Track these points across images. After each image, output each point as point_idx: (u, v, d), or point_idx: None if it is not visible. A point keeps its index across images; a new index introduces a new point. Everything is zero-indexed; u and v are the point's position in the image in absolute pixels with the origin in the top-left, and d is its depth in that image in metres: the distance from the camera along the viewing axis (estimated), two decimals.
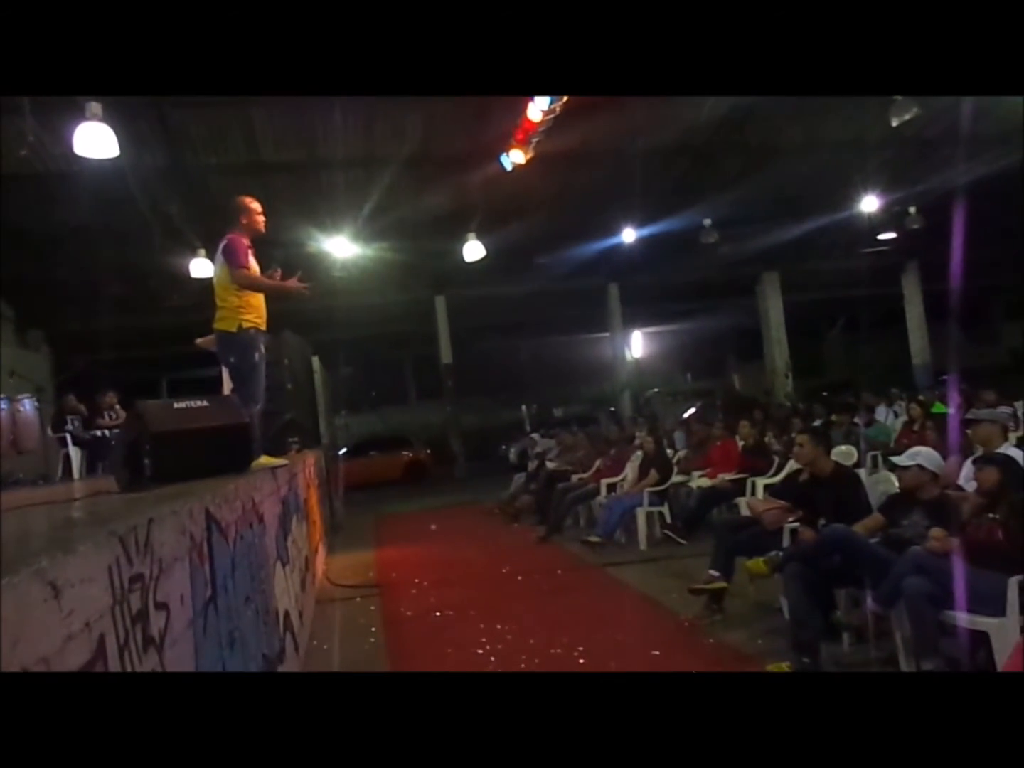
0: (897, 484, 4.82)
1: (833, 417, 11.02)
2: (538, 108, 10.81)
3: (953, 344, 18.42)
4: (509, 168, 12.39)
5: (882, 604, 4.11)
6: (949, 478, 4.99)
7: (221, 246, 5.07)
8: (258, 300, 5.16)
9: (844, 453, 7.42)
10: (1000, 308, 28.61)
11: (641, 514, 8.47)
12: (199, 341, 5.51)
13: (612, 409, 21.62)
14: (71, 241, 14.25)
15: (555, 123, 11.03)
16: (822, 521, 4.86)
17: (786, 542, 5.22)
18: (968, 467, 5.01)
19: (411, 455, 21.99)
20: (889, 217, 17.68)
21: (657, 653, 4.87)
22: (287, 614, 4.70)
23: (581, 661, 4.83)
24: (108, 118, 9.08)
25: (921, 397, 11.57)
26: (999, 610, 3.59)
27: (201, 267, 13.78)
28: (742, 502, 7.45)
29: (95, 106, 8.96)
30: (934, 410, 9.91)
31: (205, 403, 4.16)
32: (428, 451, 22.20)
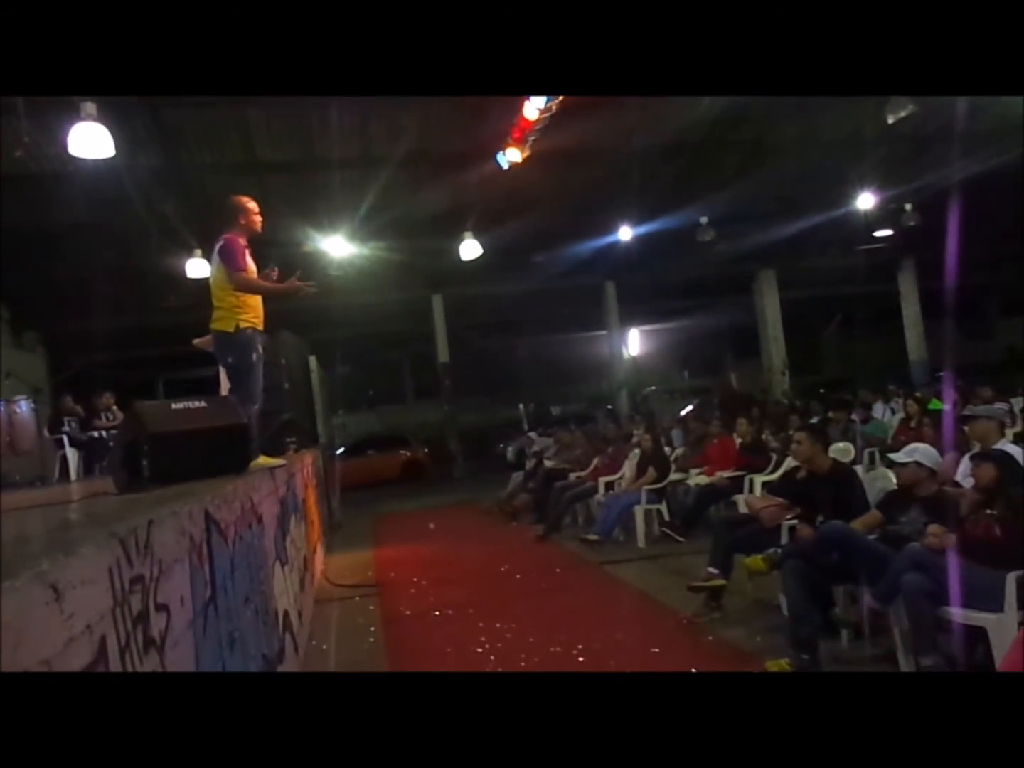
0: (895, 481, 4.83)
1: (830, 414, 11.02)
2: (534, 107, 10.81)
3: (949, 341, 18.44)
4: (506, 167, 12.38)
5: (880, 601, 4.11)
6: (946, 474, 5.00)
7: (218, 246, 5.06)
8: (255, 300, 5.15)
9: (841, 450, 7.43)
10: (996, 305, 28.67)
11: (639, 512, 8.48)
12: (196, 341, 5.50)
13: (610, 407, 21.62)
14: (67, 242, 14.22)
15: (551, 121, 11.03)
16: (820, 518, 4.87)
17: (784, 539, 5.22)
18: (965, 463, 5.03)
19: (409, 454, 21.98)
20: (885, 214, 17.71)
21: (656, 651, 4.88)
22: (286, 614, 4.70)
23: (580, 659, 4.83)
24: (103, 118, 9.06)
25: (918, 394, 11.58)
26: (997, 606, 3.59)
27: (197, 267, 13.74)
28: (740, 499, 7.46)
29: (90, 106, 8.94)
30: (931, 407, 9.90)
31: (203, 404, 4.16)
32: (426, 450, 22.19)
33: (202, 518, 2.66)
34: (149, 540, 1.95)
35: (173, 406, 4.07)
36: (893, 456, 4.77)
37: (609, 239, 17.42)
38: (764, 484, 7.47)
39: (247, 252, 5.07)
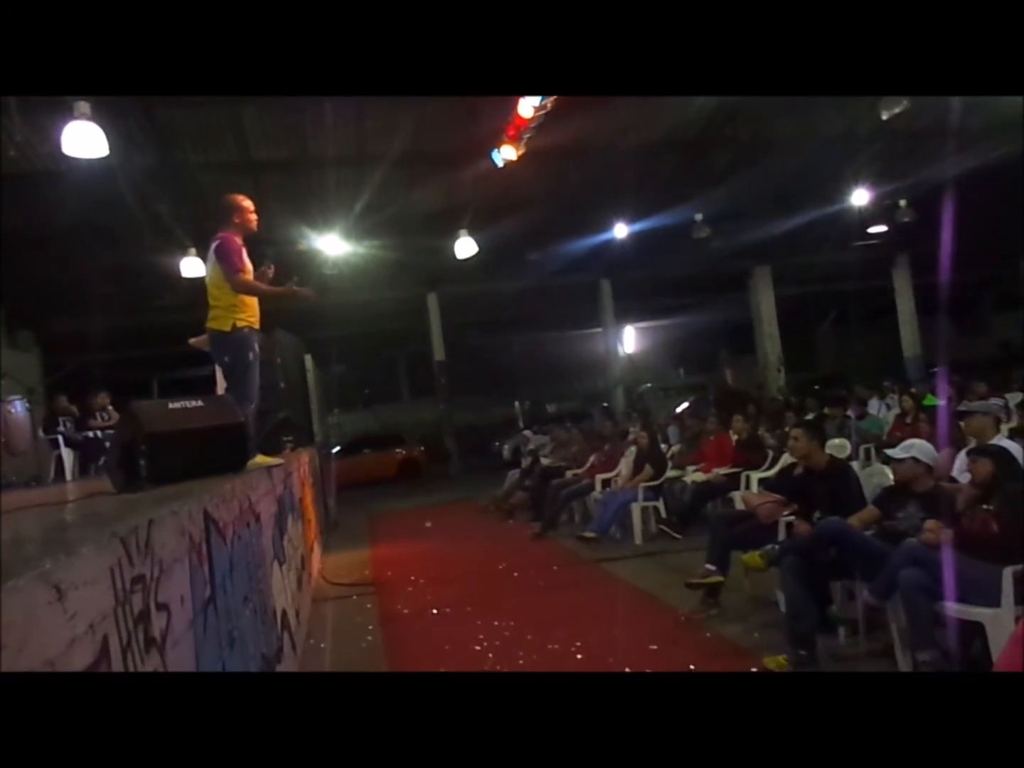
0: (891, 477, 4.84)
1: (826, 410, 11.05)
2: (529, 104, 10.78)
3: (944, 337, 18.51)
4: (500, 164, 12.35)
5: (878, 596, 4.12)
6: (943, 470, 5.01)
7: (214, 246, 5.04)
8: (252, 299, 5.13)
9: (837, 446, 7.46)
10: (990, 300, 28.72)
11: (636, 509, 8.48)
12: (192, 341, 5.49)
13: (605, 405, 21.62)
14: (60, 241, 14.17)
15: (546, 119, 11.01)
16: (817, 514, 4.88)
17: (781, 535, 5.24)
18: (962, 459, 5.04)
19: (405, 453, 21.98)
20: (880, 210, 17.72)
21: (654, 647, 4.88)
22: (284, 613, 4.70)
23: (579, 656, 4.84)
24: (97, 117, 9.01)
25: (913, 390, 11.62)
26: (994, 601, 3.60)
27: (192, 266, 13.71)
28: (737, 496, 7.47)
29: (83, 105, 8.89)
30: (926, 402, 9.94)
31: (200, 403, 4.15)
32: (421, 449, 22.18)
33: (201, 517, 2.66)
34: (150, 540, 1.95)
35: (170, 405, 4.06)
36: (890, 452, 4.78)
37: (604, 236, 17.40)
38: (761, 481, 7.50)
39: (244, 251, 5.06)
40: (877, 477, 5.35)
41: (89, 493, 4.67)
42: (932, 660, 3.73)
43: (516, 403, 28.72)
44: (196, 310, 5.43)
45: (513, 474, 12.79)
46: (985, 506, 3.99)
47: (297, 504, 6.90)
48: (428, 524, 11.86)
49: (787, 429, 7.67)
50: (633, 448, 9.44)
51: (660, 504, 8.67)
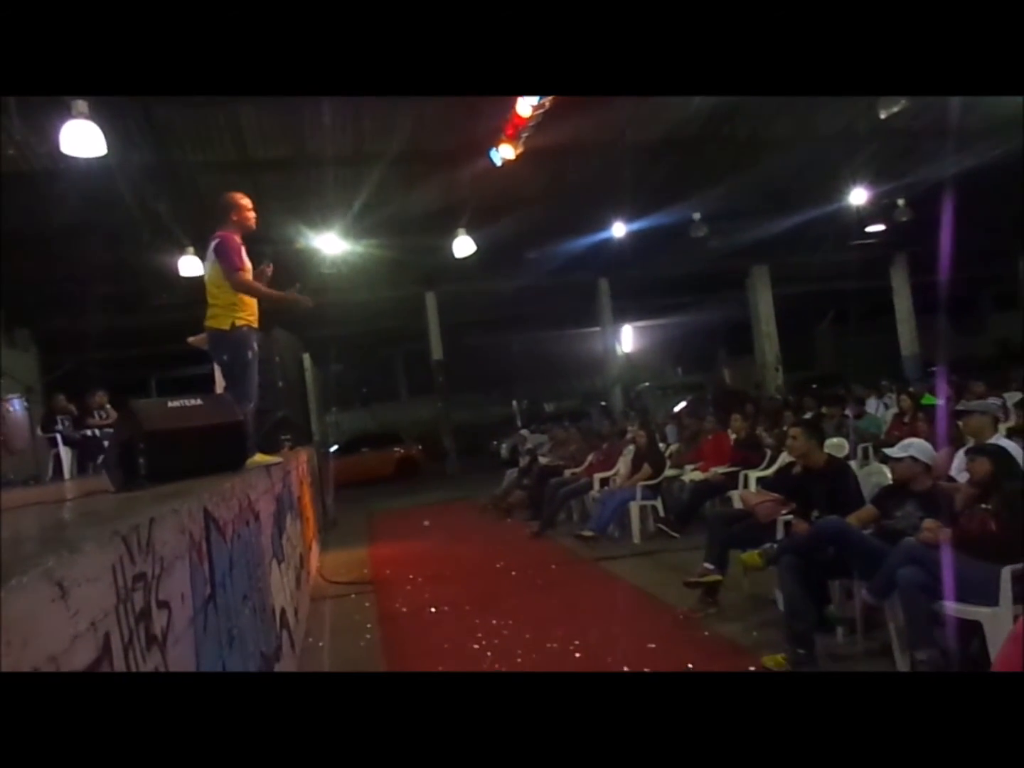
0: (890, 476, 4.85)
1: (824, 410, 11.07)
2: (527, 103, 10.79)
3: (942, 336, 18.52)
4: (499, 163, 12.35)
5: (876, 595, 4.13)
6: (941, 469, 5.02)
7: (213, 244, 5.04)
8: (251, 298, 5.14)
9: (835, 445, 7.46)
10: (988, 299, 28.78)
11: (634, 508, 8.49)
12: (191, 340, 5.49)
13: (603, 404, 21.63)
14: (58, 240, 14.15)
15: (544, 118, 11.01)
16: (815, 513, 4.88)
17: (780, 535, 5.24)
18: (960, 458, 5.05)
19: (402, 451, 21.98)
20: (878, 210, 17.73)
21: (653, 646, 4.89)
22: (283, 611, 4.70)
23: (577, 655, 4.85)
24: (95, 116, 9.00)
25: (911, 389, 11.63)
26: (992, 600, 3.61)
27: (190, 265, 13.70)
28: (735, 495, 7.48)
29: (81, 104, 8.88)
30: (924, 402, 9.95)
31: (199, 401, 4.15)
32: (419, 447, 22.19)
33: (201, 516, 2.66)
34: (151, 538, 1.95)
35: (169, 404, 4.06)
36: (888, 451, 4.79)
37: (602, 235, 17.40)
38: (759, 480, 7.50)
39: (243, 250, 5.05)
40: (875, 476, 5.35)
41: (88, 492, 4.67)
42: (930, 659, 3.74)
43: (514, 402, 28.70)
44: (194, 309, 5.42)
45: (511, 473, 12.79)
46: (983, 505, 4.00)
47: (295, 503, 6.91)
48: (426, 523, 11.86)
49: (785, 428, 7.68)
50: (631, 447, 9.45)
51: (658, 503, 8.68)
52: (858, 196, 16.83)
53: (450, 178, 14.12)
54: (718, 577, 5.48)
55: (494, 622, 5.76)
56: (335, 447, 18.14)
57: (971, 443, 5.18)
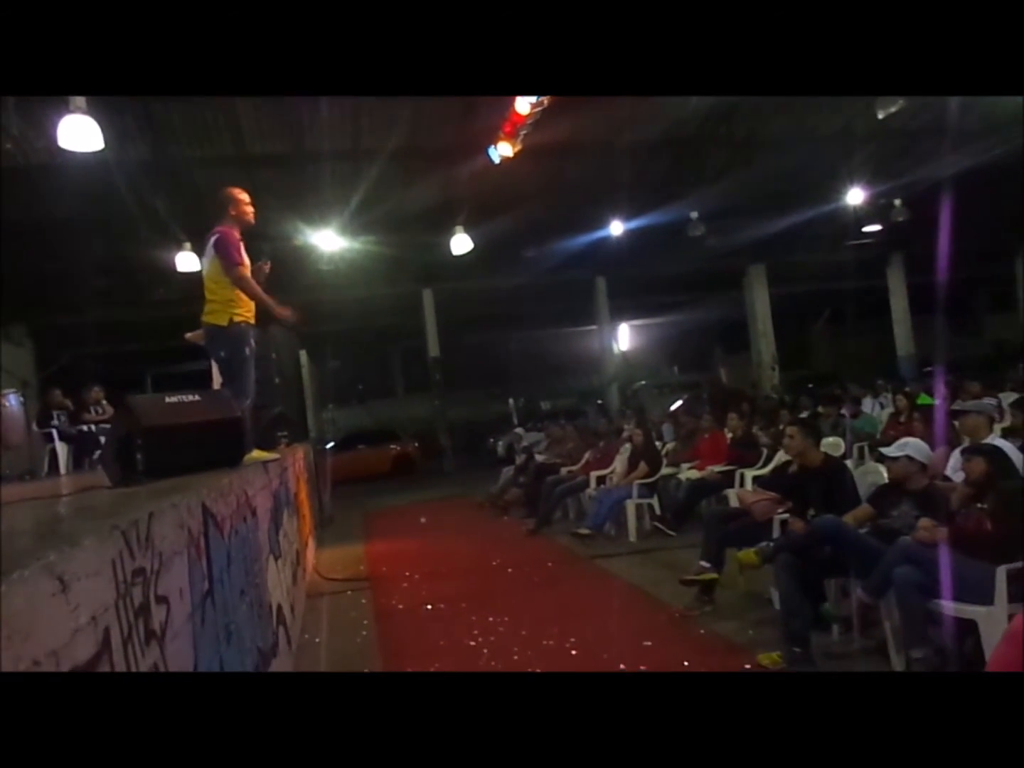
0: (886, 475, 4.86)
1: (820, 409, 11.09)
2: (526, 101, 10.79)
3: (938, 336, 18.55)
4: (497, 161, 12.36)
5: (872, 594, 4.14)
6: (937, 469, 5.03)
7: (212, 239, 5.02)
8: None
9: (831, 445, 7.47)
10: (984, 300, 28.84)
11: (630, 506, 8.50)
12: (189, 335, 5.47)
13: (600, 402, 21.65)
14: (55, 235, 14.15)
15: (543, 116, 11.01)
16: (812, 512, 4.90)
17: (776, 533, 5.25)
18: (956, 457, 5.06)
19: (399, 449, 21.97)
20: (874, 209, 17.78)
21: (648, 644, 4.90)
22: (280, 607, 4.71)
23: (573, 653, 4.85)
24: (92, 111, 9.00)
25: (907, 388, 11.65)
26: (987, 599, 3.62)
27: (187, 261, 13.68)
28: (731, 494, 7.49)
29: (79, 99, 8.87)
30: (920, 401, 9.97)
31: (197, 397, 4.14)
32: (416, 444, 22.18)
33: (199, 511, 2.66)
34: (150, 533, 1.95)
35: (167, 400, 4.04)
36: (884, 450, 4.80)
37: (600, 234, 17.44)
38: (755, 478, 7.50)
39: (242, 245, 5.04)
40: (871, 475, 5.36)
41: (84, 487, 4.66)
42: (925, 658, 3.75)
43: (511, 400, 28.72)
44: (192, 304, 5.41)
45: (507, 471, 12.79)
46: (979, 505, 4.01)
47: (292, 499, 6.91)
48: (422, 520, 11.86)
49: (781, 427, 7.68)
50: (628, 445, 9.45)
51: (654, 501, 8.69)
52: (855, 196, 16.87)
53: (448, 175, 14.12)
54: (714, 575, 5.48)
55: (490, 619, 5.76)
56: (331, 444, 18.18)
57: (967, 443, 5.19)
